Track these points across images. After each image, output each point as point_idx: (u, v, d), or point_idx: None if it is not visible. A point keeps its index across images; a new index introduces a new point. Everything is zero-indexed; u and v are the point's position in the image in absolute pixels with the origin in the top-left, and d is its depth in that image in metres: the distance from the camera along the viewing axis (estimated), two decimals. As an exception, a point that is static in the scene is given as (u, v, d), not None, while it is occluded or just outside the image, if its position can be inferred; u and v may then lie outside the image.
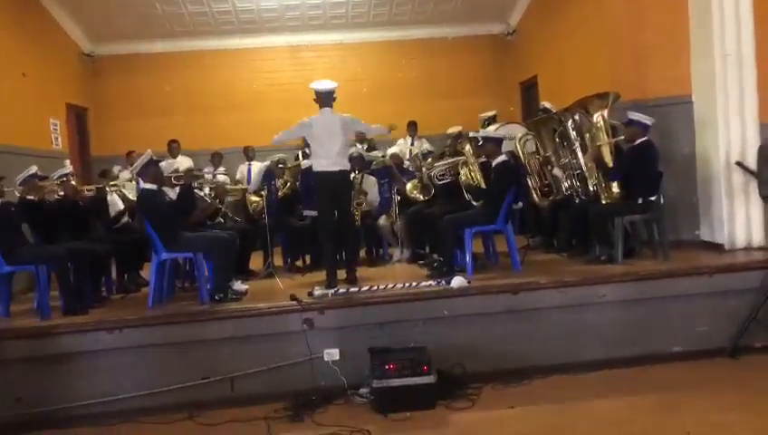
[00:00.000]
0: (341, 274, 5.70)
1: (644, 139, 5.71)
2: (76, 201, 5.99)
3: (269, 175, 6.69)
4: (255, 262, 6.91)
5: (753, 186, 5.70)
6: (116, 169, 7.45)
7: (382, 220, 7.17)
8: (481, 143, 6.25)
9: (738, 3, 5.82)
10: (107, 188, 6.25)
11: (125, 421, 4.59)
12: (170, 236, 5.24)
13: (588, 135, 6.01)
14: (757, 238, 5.91)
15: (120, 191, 6.74)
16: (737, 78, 5.85)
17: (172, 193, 5.68)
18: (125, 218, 6.68)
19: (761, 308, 4.97)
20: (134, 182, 6.51)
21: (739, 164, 5.84)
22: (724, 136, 5.91)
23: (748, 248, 5.89)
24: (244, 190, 7.06)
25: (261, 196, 6.67)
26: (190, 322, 4.92)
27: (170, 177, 5.57)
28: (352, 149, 7.81)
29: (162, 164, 5.82)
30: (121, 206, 6.70)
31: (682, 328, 5.07)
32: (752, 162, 5.74)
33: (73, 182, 5.97)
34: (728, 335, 5.04)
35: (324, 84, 5.68)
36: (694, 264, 5.45)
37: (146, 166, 5.28)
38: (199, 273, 5.37)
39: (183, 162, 8.42)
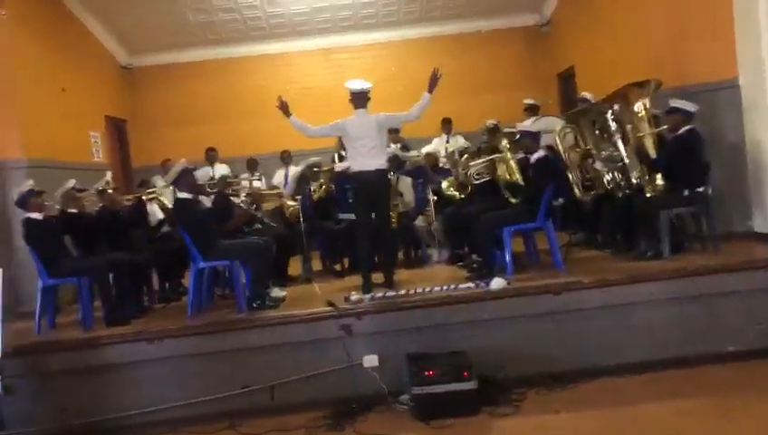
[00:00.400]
0: (379, 277, 5.63)
1: (688, 127, 5.48)
2: (116, 212, 6.07)
3: (304, 179, 6.66)
4: (294, 267, 6.91)
5: (810, 172, 5.40)
6: (155, 178, 7.54)
7: (419, 221, 7.07)
8: (518, 138, 6.10)
9: (786, -21, 5.51)
10: (143, 198, 6.29)
11: (167, 431, 4.63)
12: (207, 245, 5.25)
13: (629, 126, 5.79)
14: (815, 228, 5.60)
15: (159, 200, 6.81)
16: (788, 58, 5.55)
17: (208, 201, 5.69)
18: (165, 228, 6.75)
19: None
20: (171, 189, 6.56)
21: (793, 149, 5.55)
22: (776, 120, 5.61)
23: (806, 238, 5.59)
24: (281, 195, 7.05)
25: (297, 200, 6.64)
26: (228, 330, 4.92)
27: (205, 185, 5.58)
28: (387, 150, 7.75)
29: (197, 173, 5.86)
30: (161, 215, 6.77)
31: (736, 326, 4.83)
32: (807, 147, 5.45)
33: (111, 192, 6.04)
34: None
35: (358, 84, 5.62)
36: (747, 257, 5.19)
37: (180, 175, 5.30)
38: (236, 281, 5.36)
39: (219, 169, 8.52)
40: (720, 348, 4.81)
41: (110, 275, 5.45)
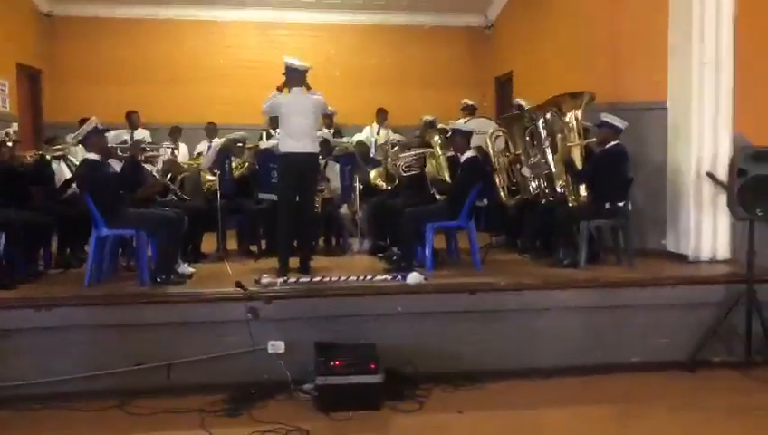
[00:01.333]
0: (295, 262, 5.44)
1: (615, 142, 5.58)
2: (14, 167, 5.60)
3: (224, 153, 6.37)
4: (209, 244, 6.61)
5: (722, 198, 5.58)
6: (69, 137, 7.04)
7: (343, 209, 6.93)
8: (450, 135, 6.06)
9: (719, 10, 5.67)
10: (47, 156, 5.83)
11: (49, 407, 4.26)
12: (111, 211, 4.91)
13: (559, 135, 5.84)
14: (722, 251, 5.81)
15: (68, 159, 6.35)
16: (714, 87, 5.70)
17: (119, 166, 5.33)
18: (72, 189, 6.29)
19: (722, 323, 4.86)
20: (82, 149, 6.13)
21: (709, 175, 5.73)
22: (697, 145, 5.77)
23: (713, 261, 5.79)
24: (199, 167, 6.72)
25: (215, 175, 6.35)
26: (126, 304, 4.61)
27: (116, 148, 5.22)
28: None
29: (110, 134, 5.48)
30: (68, 175, 6.31)
31: (642, 339, 4.94)
32: (722, 174, 5.63)
33: (10, 145, 5.55)
34: (688, 349, 4.93)
35: (299, 62, 5.43)
36: (657, 274, 5.33)
37: (89, 134, 4.92)
38: (141, 252, 5.04)
39: (140, 135, 8.09)
40: (625, 358, 4.90)
41: (2, 235, 5.01)
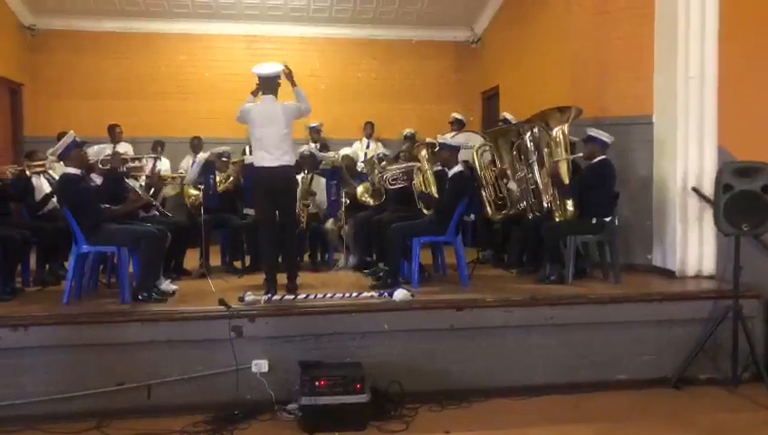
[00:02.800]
0: (282, 278, 5.32)
1: (602, 157, 5.58)
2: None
3: (208, 168, 6.29)
4: (192, 260, 6.51)
5: (708, 213, 5.57)
6: (49, 152, 6.93)
7: (329, 224, 6.86)
8: (437, 149, 6.03)
9: (704, 25, 5.71)
10: (27, 171, 5.73)
11: (24, 429, 4.14)
12: (91, 227, 4.82)
13: (546, 150, 5.83)
14: (708, 267, 5.80)
15: (48, 174, 6.25)
16: (699, 101, 5.73)
17: (99, 181, 5.24)
18: (51, 204, 6.19)
19: (708, 339, 4.84)
20: (62, 164, 6.04)
21: (695, 190, 5.74)
22: (682, 160, 5.79)
23: (699, 277, 5.78)
24: (182, 182, 6.63)
25: (199, 189, 6.27)
26: (106, 322, 4.49)
27: (96, 162, 5.13)
28: (304, 148, 7.53)
29: (92, 148, 5.40)
30: (48, 189, 6.21)
31: (628, 356, 4.90)
32: (708, 188, 5.63)
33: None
34: (674, 365, 4.90)
35: (266, 68, 5.21)
36: (643, 289, 5.31)
37: (68, 148, 4.84)
38: (122, 269, 4.94)
39: (122, 149, 7.98)
40: (611, 376, 4.86)
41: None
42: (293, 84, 5.28)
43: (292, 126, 5.29)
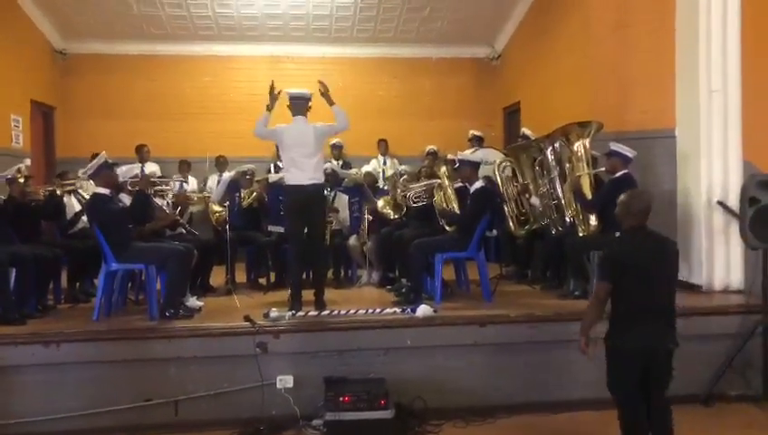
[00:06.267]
0: (308, 295, 5.36)
1: (624, 171, 5.54)
2: (26, 203, 5.64)
3: (233, 186, 6.39)
4: (218, 277, 6.60)
5: (735, 227, 5.52)
6: (80, 172, 7.10)
7: (352, 240, 6.91)
8: (457, 166, 6.06)
9: (726, 38, 5.68)
10: (57, 191, 5.88)
11: (55, 444, 4.24)
12: (120, 245, 4.93)
13: (568, 165, 5.82)
14: (736, 281, 5.72)
15: (78, 193, 6.39)
16: (722, 114, 5.69)
17: (128, 200, 5.35)
18: (81, 223, 6.32)
19: (737, 355, 4.76)
20: (92, 183, 6.18)
21: (720, 204, 5.68)
22: (707, 173, 5.74)
23: (726, 291, 5.69)
24: (207, 200, 6.74)
25: (224, 207, 6.36)
26: (135, 338, 4.59)
27: (126, 182, 5.26)
28: (326, 165, 7.58)
29: (121, 169, 5.52)
30: (78, 208, 6.34)
31: (655, 372, 4.82)
32: (734, 202, 5.57)
33: (21, 181, 5.60)
34: (702, 382, 4.83)
35: (299, 91, 5.40)
36: (670, 304, 5.24)
37: (99, 168, 4.97)
38: (150, 286, 5.04)
39: (149, 168, 8.14)
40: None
41: (13, 270, 5.03)
42: (331, 103, 5.39)
43: (323, 146, 5.46)
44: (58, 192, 5.90)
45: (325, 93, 5.39)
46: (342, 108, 5.41)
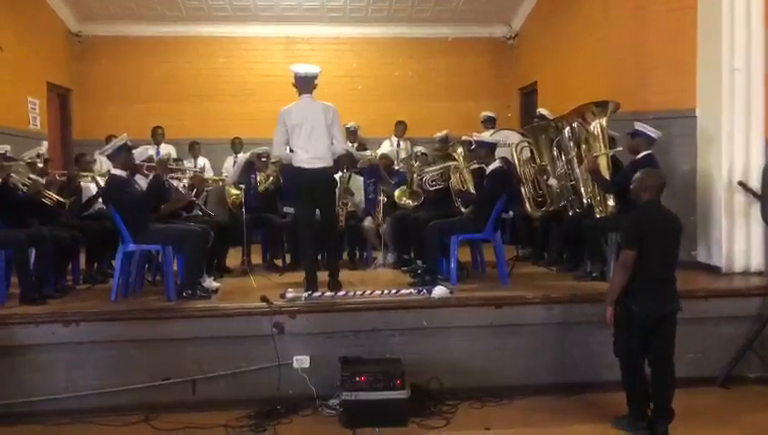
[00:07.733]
0: (323, 276, 5.36)
1: (647, 152, 5.43)
2: (45, 185, 5.68)
3: (249, 168, 6.40)
4: (233, 258, 6.64)
5: (756, 208, 5.44)
6: (97, 153, 7.14)
7: (367, 222, 6.90)
8: (473, 148, 6.02)
9: (750, 16, 5.56)
10: (75, 173, 5.92)
11: (75, 421, 4.32)
12: (138, 227, 4.95)
13: (584, 145, 5.75)
14: (756, 263, 5.65)
15: (94, 177, 6.44)
16: (745, 94, 5.58)
17: (144, 182, 5.38)
18: (98, 205, 6.38)
19: (757, 337, 4.71)
20: (103, 162, 6.22)
21: (741, 184, 5.59)
22: (728, 154, 5.65)
23: (746, 273, 5.63)
24: (223, 182, 6.76)
25: (240, 189, 6.38)
26: (152, 318, 4.63)
27: (143, 164, 5.28)
28: (342, 147, 7.56)
29: (137, 150, 5.54)
30: (94, 190, 6.39)
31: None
32: (755, 183, 5.48)
33: (40, 165, 5.64)
34: (721, 363, 4.79)
35: (303, 67, 5.29)
36: (688, 286, 5.15)
37: (118, 150, 4.98)
38: (167, 267, 5.07)
39: (165, 150, 8.19)
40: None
41: (32, 251, 5.08)
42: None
43: (331, 123, 5.30)
44: (76, 174, 5.92)
45: None
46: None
